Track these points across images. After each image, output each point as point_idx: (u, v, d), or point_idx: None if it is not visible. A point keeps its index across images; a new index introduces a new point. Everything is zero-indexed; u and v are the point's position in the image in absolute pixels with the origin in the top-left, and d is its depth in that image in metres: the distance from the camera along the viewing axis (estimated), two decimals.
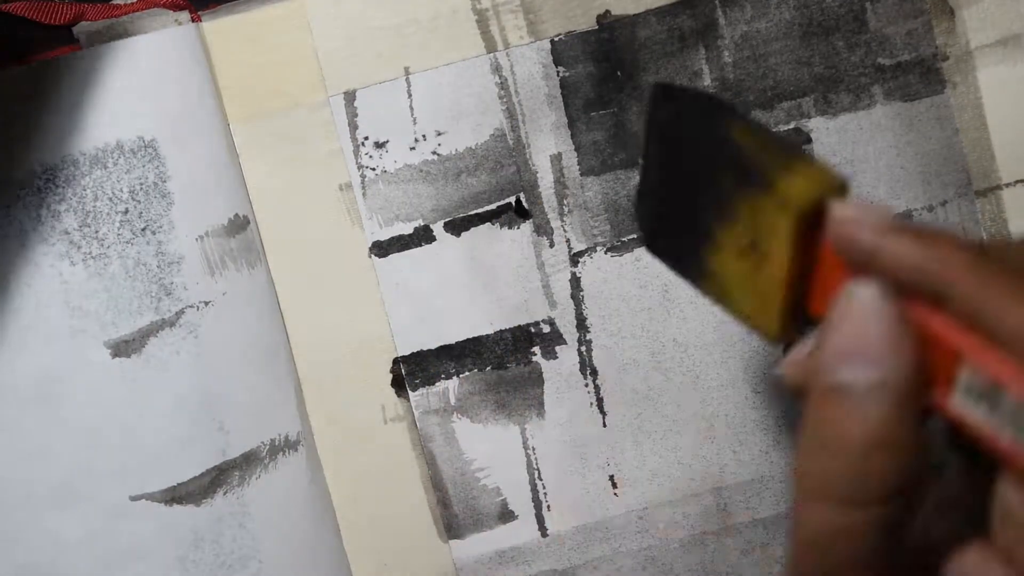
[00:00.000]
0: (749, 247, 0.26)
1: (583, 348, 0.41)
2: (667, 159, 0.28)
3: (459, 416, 0.42)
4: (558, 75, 0.41)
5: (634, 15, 0.40)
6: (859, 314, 0.23)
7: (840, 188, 0.24)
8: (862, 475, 0.22)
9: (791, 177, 0.24)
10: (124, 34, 0.40)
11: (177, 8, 0.40)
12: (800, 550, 0.24)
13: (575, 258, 0.41)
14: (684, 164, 0.27)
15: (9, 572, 0.40)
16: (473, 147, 0.41)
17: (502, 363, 0.41)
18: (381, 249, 0.41)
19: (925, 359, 0.23)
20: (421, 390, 0.41)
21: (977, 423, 0.22)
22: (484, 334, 0.41)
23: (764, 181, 0.24)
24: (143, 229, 0.40)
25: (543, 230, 0.41)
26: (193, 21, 0.40)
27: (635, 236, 0.41)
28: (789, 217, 0.24)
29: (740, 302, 0.26)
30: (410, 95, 0.40)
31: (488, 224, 0.41)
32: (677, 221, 0.28)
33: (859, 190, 0.40)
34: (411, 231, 0.41)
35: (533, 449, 0.42)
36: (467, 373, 0.41)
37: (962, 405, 0.22)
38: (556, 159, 0.41)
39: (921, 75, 0.41)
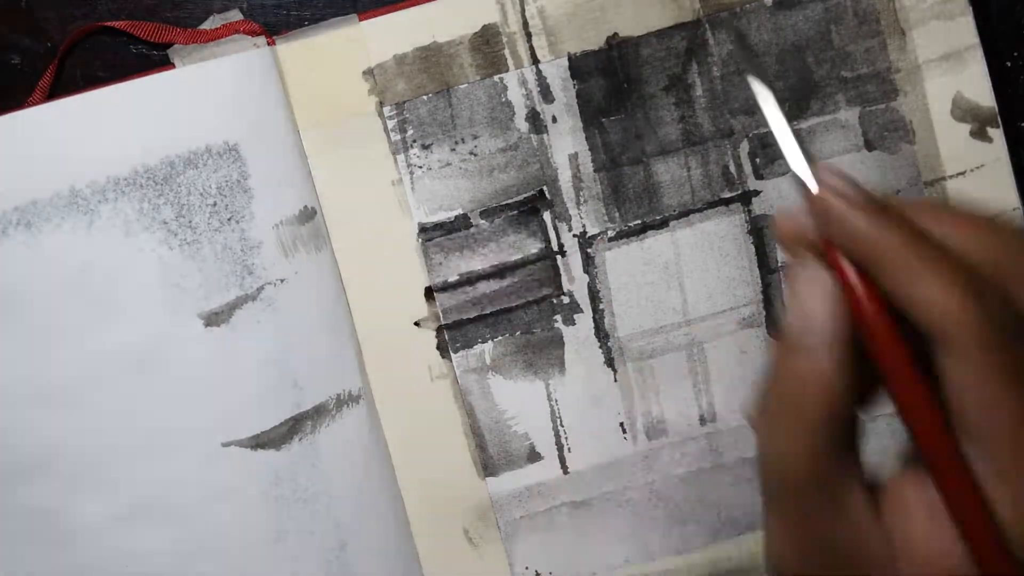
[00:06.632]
0: None
1: (597, 316, 0.46)
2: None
3: (493, 374, 0.46)
4: (574, 87, 0.45)
5: (638, 36, 0.45)
6: (805, 290, 0.27)
7: None
8: (808, 396, 0.27)
9: None
10: (210, 56, 0.44)
11: (255, 34, 0.44)
12: (765, 473, 0.28)
13: (589, 240, 0.46)
14: None
15: (122, 509, 0.43)
16: (504, 148, 0.45)
17: (529, 329, 0.46)
18: (427, 234, 0.46)
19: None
20: (462, 352, 0.46)
21: None
22: (514, 305, 0.46)
23: None
24: (229, 219, 0.43)
25: (562, 217, 0.46)
26: (268, 45, 0.44)
27: (639, 222, 0.46)
28: None
29: None
30: (451, 105, 0.45)
31: (516, 212, 0.46)
32: None
33: None
34: (452, 219, 0.45)
35: (556, 401, 0.46)
36: (500, 338, 0.46)
37: None
38: (573, 158, 0.45)
39: (877, 85, 0.45)
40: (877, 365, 0.27)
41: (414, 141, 0.45)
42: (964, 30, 0.45)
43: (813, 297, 0.27)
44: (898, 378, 0.27)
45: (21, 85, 0.46)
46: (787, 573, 0.28)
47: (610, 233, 0.46)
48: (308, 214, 0.45)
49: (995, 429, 0.25)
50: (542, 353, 0.46)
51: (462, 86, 0.45)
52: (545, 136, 0.46)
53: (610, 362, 0.46)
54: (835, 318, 0.27)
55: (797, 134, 0.29)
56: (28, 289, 0.43)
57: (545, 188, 0.46)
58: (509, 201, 0.46)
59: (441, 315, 0.46)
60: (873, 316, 0.27)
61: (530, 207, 0.46)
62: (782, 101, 0.45)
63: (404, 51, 0.45)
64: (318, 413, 0.45)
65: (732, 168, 0.46)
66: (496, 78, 0.45)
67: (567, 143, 0.46)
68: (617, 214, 0.46)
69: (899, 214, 0.27)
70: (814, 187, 0.28)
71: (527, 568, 0.46)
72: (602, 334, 0.46)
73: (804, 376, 0.27)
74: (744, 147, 0.46)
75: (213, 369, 0.44)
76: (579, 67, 0.45)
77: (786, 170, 0.46)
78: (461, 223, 0.46)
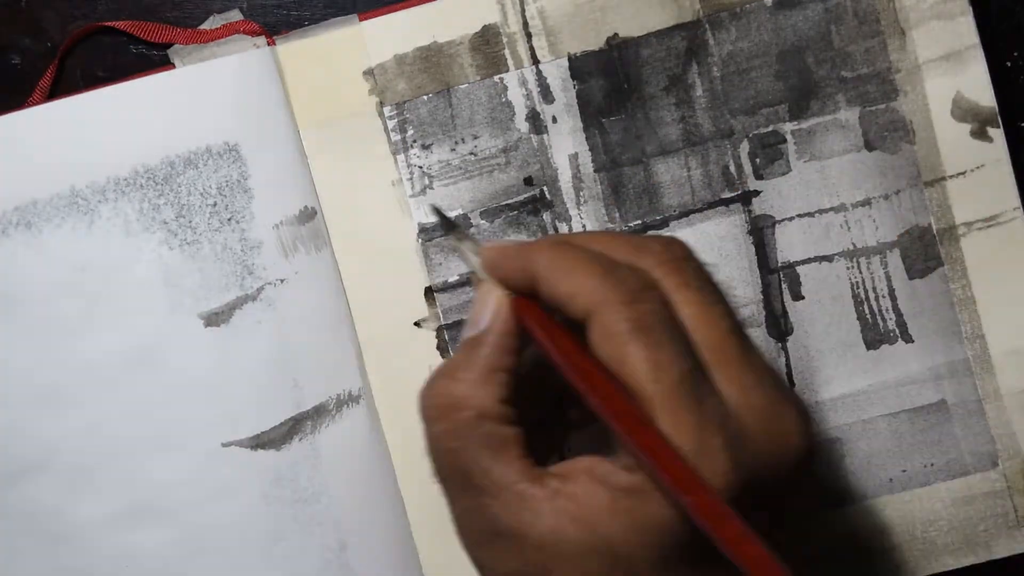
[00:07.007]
0: None
1: None
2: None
3: None
4: (574, 87, 0.45)
5: (638, 36, 0.45)
6: (477, 302, 0.34)
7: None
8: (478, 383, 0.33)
9: None
10: (210, 56, 0.44)
11: (255, 34, 0.45)
12: (431, 460, 0.34)
13: None
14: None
15: (122, 509, 0.44)
16: (504, 148, 0.46)
17: None
18: (427, 234, 0.46)
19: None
20: None
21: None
22: None
23: None
24: (229, 219, 0.44)
25: (562, 217, 0.46)
26: (268, 45, 0.45)
27: (639, 222, 0.46)
28: None
29: None
30: (451, 105, 0.45)
31: (517, 213, 0.46)
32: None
33: (827, 182, 0.46)
34: (452, 219, 0.45)
35: None
36: None
37: None
38: (573, 158, 0.46)
39: (878, 85, 0.45)
40: (549, 355, 0.33)
41: (414, 141, 0.46)
42: (964, 30, 0.45)
43: (482, 303, 0.34)
44: (565, 354, 0.32)
45: (21, 85, 0.46)
46: (470, 547, 0.33)
47: None
48: (308, 214, 0.45)
49: (627, 371, 0.30)
50: None
51: (462, 86, 0.46)
52: (545, 136, 0.46)
53: None
54: (496, 314, 0.34)
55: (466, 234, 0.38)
56: (28, 289, 0.43)
57: (545, 188, 0.46)
58: (509, 201, 0.46)
59: (441, 315, 0.46)
60: (535, 312, 0.33)
61: (530, 207, 0.46)
62: (780, 101, 0.46)
63: (404, 51, 0.45)
64: (318, 413, 0.45)
65: (732, 168, 0.46)
66: (496, 78, 0.46)
67: (567, 143, 0.46)
68: (617, 214, 0.46)
69: (551, 244, 0.33)
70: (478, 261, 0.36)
71: None
72: None
73: (469, 364, 0.33)
74: (744, 147, 0.46)
75: (213, 369, 0.44)
76: (579, 67, 0.46)
77: (786, 171, 0.46)
78: (461, 223, 0.46)
